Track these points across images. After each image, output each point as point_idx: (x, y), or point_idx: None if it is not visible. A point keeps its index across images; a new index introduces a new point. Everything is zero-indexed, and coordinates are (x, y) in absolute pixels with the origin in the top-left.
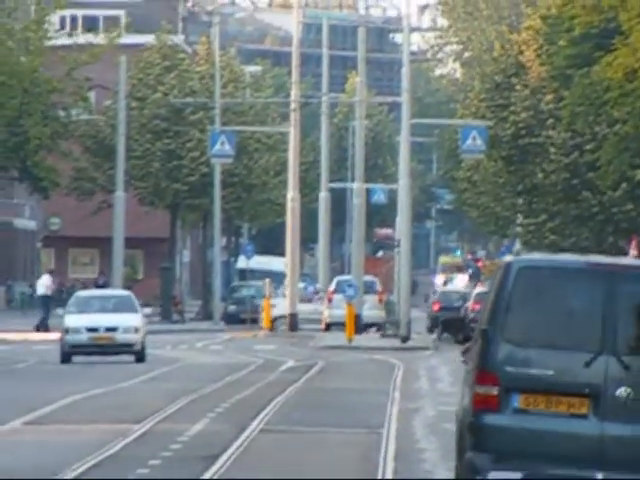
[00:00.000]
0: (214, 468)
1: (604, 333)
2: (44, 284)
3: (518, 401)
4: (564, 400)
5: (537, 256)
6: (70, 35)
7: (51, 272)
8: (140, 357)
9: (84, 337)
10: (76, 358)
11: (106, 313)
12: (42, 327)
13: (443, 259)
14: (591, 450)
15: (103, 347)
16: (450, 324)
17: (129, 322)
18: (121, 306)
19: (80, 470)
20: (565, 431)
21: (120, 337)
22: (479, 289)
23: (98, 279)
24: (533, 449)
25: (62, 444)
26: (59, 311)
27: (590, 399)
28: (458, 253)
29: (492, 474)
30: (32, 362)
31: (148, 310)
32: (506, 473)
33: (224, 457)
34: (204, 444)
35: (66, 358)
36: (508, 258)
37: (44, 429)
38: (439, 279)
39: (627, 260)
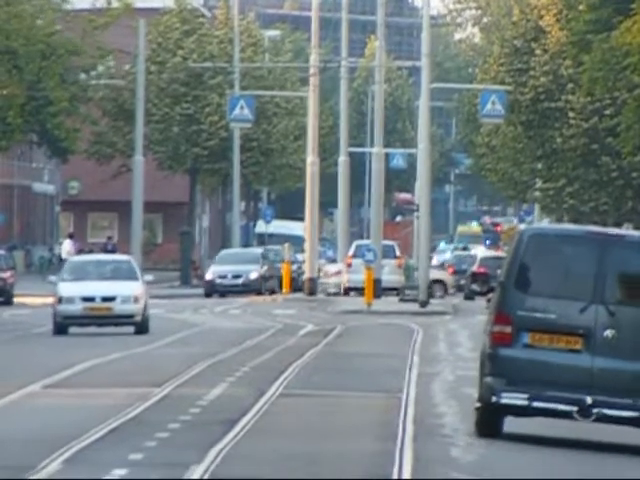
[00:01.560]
0: (233, 432)
1: (595, 287)
2: (65, 249)
3: (527, 338)
4: (563, 338)
5: (545, 225)
6: None
7: (71, 236)
8: (141, 329)
9: (79, 307)
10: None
11: (103, 281)
12: None
13: (461, 228)
14: (583, 378)
15: (100, 318)
16: (477, 277)
17: (128, 291)
18: (120, 273)
19: (100, 434)
20: (563, 363)
21: (118, 307)
22: (485, 253)
23: (106, 244)
24: (537, 376)
25: (81, 408)
26: (51, 278)
27: (583, 338)
28: (474, 223)
29: (504, 395)
30: (50, 326)
31: (150, 277)
32: (515, 394)
33: (243, 421)
34: (223, 408)
35: (60, 329)
36: (522, 226)
37: (63, 393)
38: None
39: (617, 230)
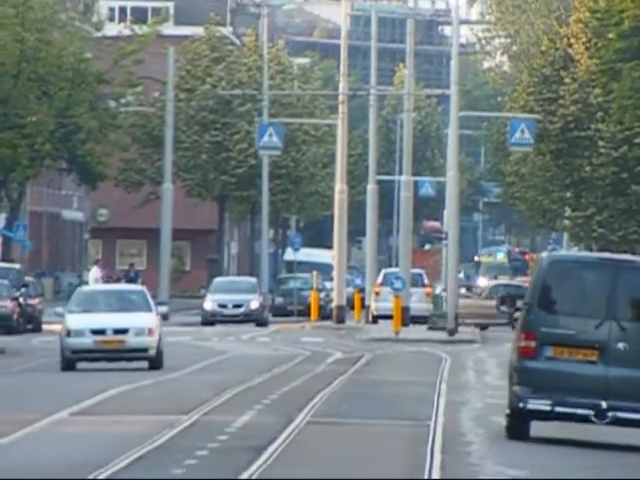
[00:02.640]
0: (261, 459)
1: (608, 306)
2: (93, 276)
3: (549, 351)
4: (581, 351)
5: (563, 253)
6: (121, 22)
7: (97, 262)
8: (155, 363)
9: (89, 341)
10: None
11: (114, 312)
12: None
13: (485, 259)
14: (599, 386)
15: (111, 352)
16: (505, 300)
17: (141, 323)
18: (132, 304)
19: (127, 461)
20: (581, 372)
21: (131, 340)
22: (496, 282)
23: (129, 271)
24: (559, 384)
25: (109, 435)
26: (58, 309)
27: (598, 351)
28: (500, 255)
29: (530, 402)
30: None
31: (164, 308)
32: (540, 401)
33: (271, 449)
34: (251, 435)
35: (69, 364)
36: (543, 254)
37: (91, 420)
38: (482, 281)
39: (628, 256)
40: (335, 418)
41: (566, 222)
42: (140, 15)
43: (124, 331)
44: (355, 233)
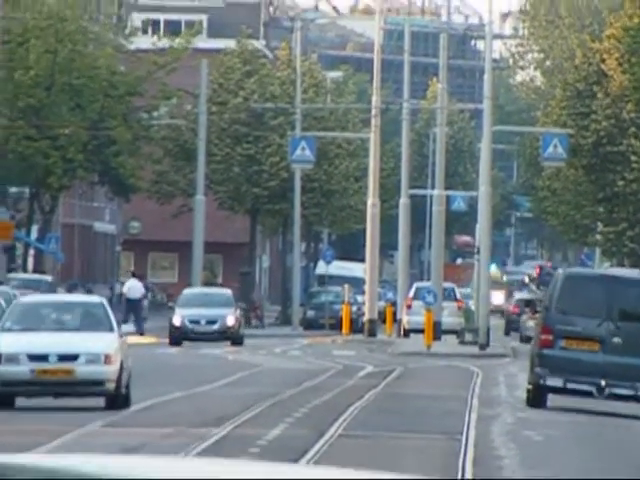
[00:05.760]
0: None
1: (607, 310)
2: (135, 287)
3: (562, 343)
4: (586, 343)
5: (575, 269)
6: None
7: (134, 274)
8: (116, 400)
9: (25, 369)
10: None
11: (62, 332)
12: (140, 330)
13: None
14: (599, 369)
15: (55, 385)
16: (528, 304)
17: (97, 346)
18: (87, 321)
19: None
20: (586, 359)
21: (82, 370)
22: (521, 295)
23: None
24: (569, 367)
25: (139, 447)
26: None
27: (599, 343)
28: (492, 267)
29: (548, 379)
30: None
31: (129, 327)
32: (555, 379)
33: (302, 462)
34: (282, 448)
35: (1, 399)
36: (559, 270)
37: (121, 432)
38: (497, 298)
39: (624, 271)
40: (366, 432)
41: (598, 237)
42: (173, 28)
43: (72, 357)
44: (387, 247)
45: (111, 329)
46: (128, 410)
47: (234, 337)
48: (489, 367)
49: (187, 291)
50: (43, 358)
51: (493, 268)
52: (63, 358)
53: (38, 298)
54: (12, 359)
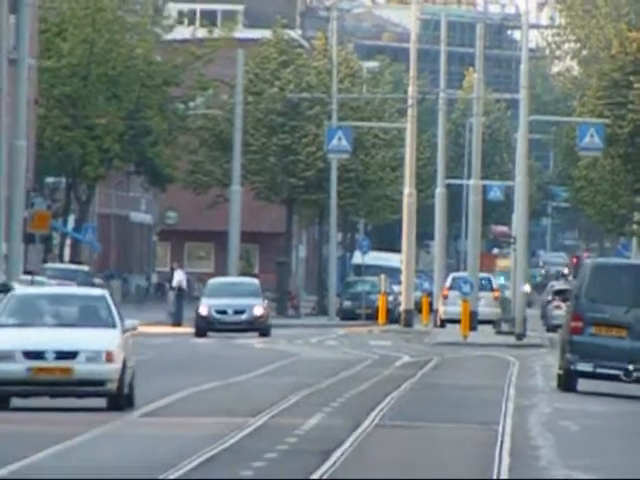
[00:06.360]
0: (329, 462)
1: (633, 297)
2: (177, 278)
3: (592, 329)
4: (614, 329)
5: (602, 259)
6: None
7: (178, 265)
8: (118, 401)
9: (20, 368)
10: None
11: (60, 328)
12: (178, 321)
13: (502, 262)
14: (627, 354)
15: (52, 385)
16: (559, 292)
17: (97, 343)
18: (87, 316)
19: (195, 463)
20: (614, 344)
21: (81, 369)
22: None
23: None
24: (598, 353)
25: (177, 437)
26: None
27: (627, 329)
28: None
29: (578, 365)
30: (149, 355)
31: (135, 322)
32: (585, 364)
33: (339, 452)
34: (319, 438)
35: None
36: (587, 261)
37: (159, 422)
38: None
39: None
40: (403, 422)
41: (635, 227)
42: (210, 18)
43: (71, 355)
44: (423, 237)
45: (113, 324)
46: (166, 399)
47: (262, 328)
48: (525, 357)
49: (213, 281)
50: (40, 355)
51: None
52: (61, 356)
53: (35, 290)
54: (6, 356)
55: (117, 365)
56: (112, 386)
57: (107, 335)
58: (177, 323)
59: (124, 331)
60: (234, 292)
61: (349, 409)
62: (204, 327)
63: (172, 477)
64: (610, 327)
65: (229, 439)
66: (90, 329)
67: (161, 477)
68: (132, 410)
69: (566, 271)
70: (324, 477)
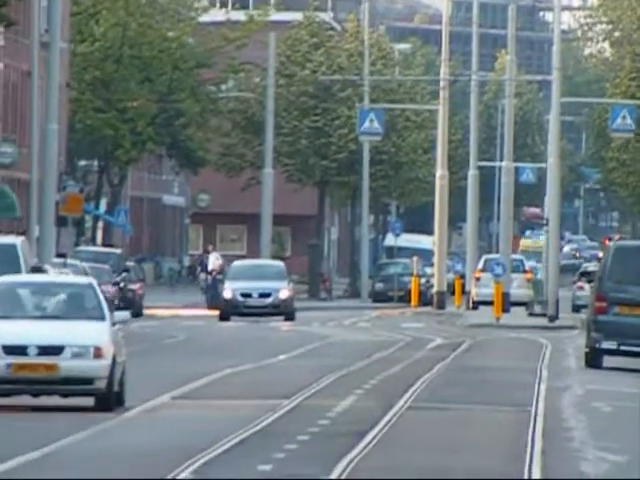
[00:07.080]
0: (361, 444)
1: None
2: (212, 261)
3: (616, 309)
4: (637, 309)
5: (625, 242)
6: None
7: (213, 248)
8: (106, 401)
9: (1, 364)
10: None
11: (44, 320)
12: (214, 303)
13: (525, 242)
14: None
15: (35, 383)
16: (584, 274)
17: (85, 338)
18: (75, 307)
19: (228, 445)
20: (638, 324)
21: (67, 365)
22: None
23: (202, 258)
24: (622, 331)
25: (210, 419)
26: None
27: None
28: (542, 237)
29: (603, 343)
30: (181, 338)
31: (123, 314)
32: (609, 342)
33: (372, 434)
34: (352, 420)
35: None
36: (611, 243)
37: (192, 404)
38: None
39: None
40: (436, 403)
41: None
42: (242, 1)
43: (56, 350)
44: (456, 219)
45: (102, 317)
46: (200, 381)
47: (287, 311)
48: (558, 339)
49: (237, 263)
50: (21, 351)
51: (542, 238)
52: (45, 351)
53: (16, 279)
54: None
55: (106, 361)
56: (101, 384)
57: (95, 328)
58: (214, 306)
59: (113, 324)
60: (259, 275)
61: (382, 391)
62: (228, 311)
63: (205, 460)
64: (633, 307)
65: (262, 421)
66: (77, 322)
67: (192, 460)
68: (122, 409)
69: (600, 254)
70: (357, 459)
